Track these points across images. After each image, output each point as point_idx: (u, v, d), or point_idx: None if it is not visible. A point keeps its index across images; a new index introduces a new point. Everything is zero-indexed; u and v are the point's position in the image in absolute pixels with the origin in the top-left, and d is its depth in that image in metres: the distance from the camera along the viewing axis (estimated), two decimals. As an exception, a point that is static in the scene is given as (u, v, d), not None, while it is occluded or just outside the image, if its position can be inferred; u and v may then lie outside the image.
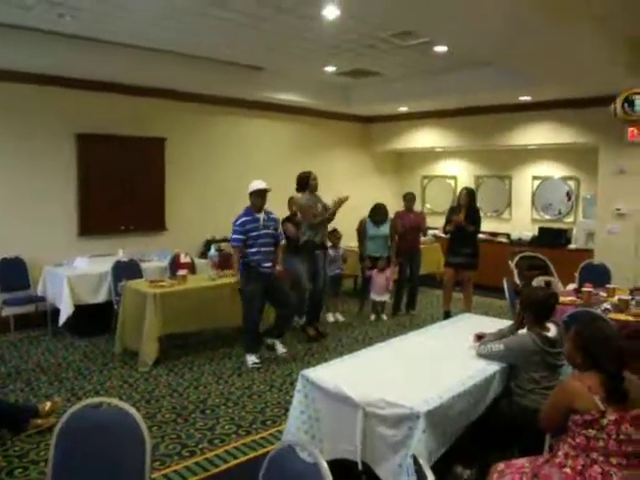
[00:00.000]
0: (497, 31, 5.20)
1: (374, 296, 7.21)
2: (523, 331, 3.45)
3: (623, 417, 2.31)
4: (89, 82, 6.87)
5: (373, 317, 7.29)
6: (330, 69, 7.59)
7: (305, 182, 6.33)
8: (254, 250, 5.35)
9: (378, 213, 7.10)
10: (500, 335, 3.48)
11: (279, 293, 5.56)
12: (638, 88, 6.68)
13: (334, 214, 6.32)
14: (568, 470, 2.37)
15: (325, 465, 1.83)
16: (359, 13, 5.19)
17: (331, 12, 5.10)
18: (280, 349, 5.70)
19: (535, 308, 3.34)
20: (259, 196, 5.45)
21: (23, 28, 5.79)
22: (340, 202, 6.25)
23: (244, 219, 5.39)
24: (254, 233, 5.37)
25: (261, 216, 5.47)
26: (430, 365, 3.35)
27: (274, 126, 9.09)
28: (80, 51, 6.19)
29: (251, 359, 5.42)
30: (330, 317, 7.10)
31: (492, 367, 3.29)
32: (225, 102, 8.28)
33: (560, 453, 2.45)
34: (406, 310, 7.57)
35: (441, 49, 6.37)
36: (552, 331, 3.32)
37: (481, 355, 3.43)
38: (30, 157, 6.64)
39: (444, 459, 3.05)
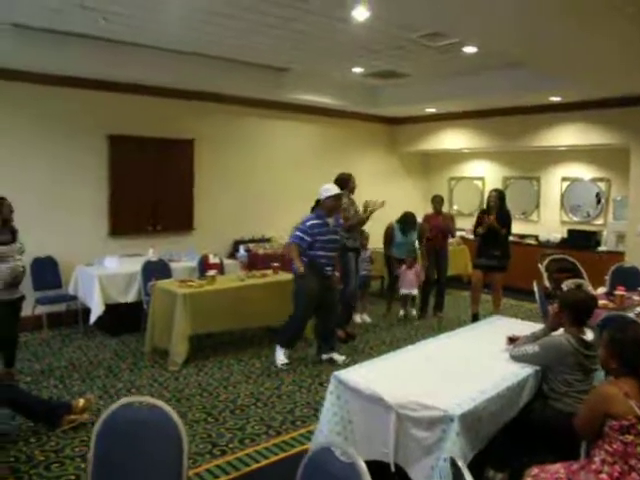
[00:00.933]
0: (527, 32, 5.16)
1: (403, 290, 7.26)
2: (558, 332, 3.41)
3: (661, 423, 2.29)
4: (120, 84, 6.99)
5: (402, 312, 7.33)
6: (358, 70, 7.59)
7: (345, 184, 6.30)
8: (321, 253, 5.36)
9: (407, 222, 7.12)
10: (533, 338, 3.45)
11: (330, 300, 5.56)
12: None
13: (367, 219, 6.37)
14: (604, 477, 2.35)
15: (363, 465, 1.85)
16: (389, 15, 5.19)
17: (361, 13, 5.10)
18: (339, 358, 5.62)
19: (576, 309, 3.29)
20: (335, 200, 5.43)
21: (55, 32, 5.91)
22: (374, 209, 6.32)
23: (314, 222, 5.38)
24: (322, 237, 5.37)
25: (331, 221, 5.48)
26: (462, 367, 3.34)
27: (301, 127, 9.13)
28: (111, 54, 6.31)
29: (280, 359, 5.43)
30: (357, 318, 7.09)
31: (525, 370, 3.27)
32: (252, 103, 8.34)
33: (596, 459, 2.42)
34: (433, 312, 7.53)
35: (470, 50, 6.33)
36: (588, 334, 3.29)
37: (515, 357, 3.41)
38: (63, 158, 6.76)
39: (476, 462, 3.03)
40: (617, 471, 2.33)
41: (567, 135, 8.33)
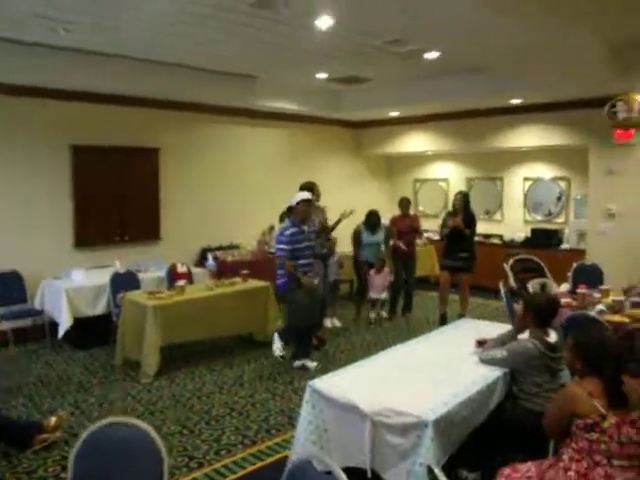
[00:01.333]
0: (486, 38, 5.29)
1: (373, 295, 7.31)
2: (524, 336, 3.52)
3: (623, 420, 2.39)
4: (83, 94, 6.89)
5: (372, 315, 7.36)
6: (322, 76, 7.64)
7: (309, 191, 6.34)
8: (301, 262, 5.40)
9: (372, 220, 7.19)
10: (500, 341, 3.56)
11: (315, 306, 5.65)
12: (623, 94, 6.83)
13: (332, 229, 6.53)
14: (572, 474, 2.44)
15: (342, 473, 1.88)
16: (351, 23, 5.25)
17: (325, 22, 5.16)
18: (311, 365, 5.63)
19: (539, 311, 3.41)
20: (306, 206, 5.51)
21: (16, 42, 5.80)
22: (340, 219, 6.54)
23: (293, 230, 5.41)
24: (300, 245, 5.42)
25: (305, 228, 5.55)
26: (433, 372, 3.41)
27: (268, 133, 9.14)
28: (73, 63, 6.20)
29: (278, 347, 5.44)
30: (327, 323, 7.13)
31: (495, 373, 3.36)
32: (219, 111, 8.32)
33: (565, 457, 2.51)
34: (402, 313, 7.64)
35: (433, 55, 6.43)
36: (552, 336, 3.40)
37: (484, 362, 3.50)
38: (25, 169, 6.63)
39: (449, 462, 3.11)
40: (583, 467, 2.42)
41: (529, 136, 8.54)
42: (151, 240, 7.71)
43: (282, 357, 5.50)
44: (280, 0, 4.59)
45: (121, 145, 7.28)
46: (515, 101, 8.03)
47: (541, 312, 3.41)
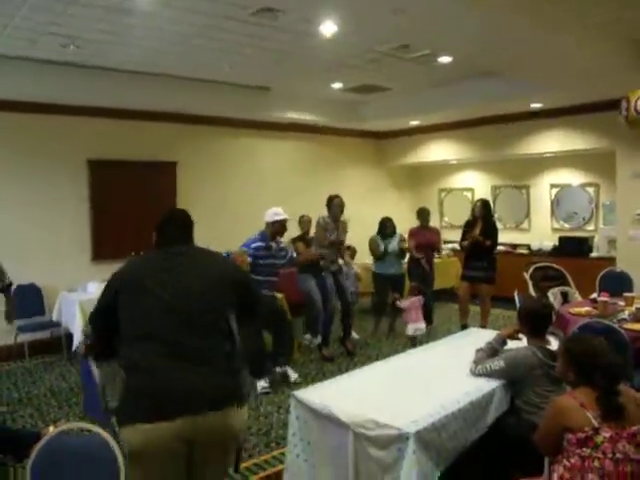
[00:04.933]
0: (497, 41, 5.16)
1: (411, 330, 6.18)
2: (520, 344, 3.33)
3: (619, 434, 2.20)
4: (99, 109, 6.99)
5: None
6: (337, 85, 7.58)
7: (328, 204, 6.35)
8: (258, 277, 5.20)
9: (385, 227, 7.02)
10: (492, 349, 3.36)
11: (275, 320, 5.48)
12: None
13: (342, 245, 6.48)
14: (562, 493, 2.25)
15: None
16: (355, 29, 5.19)
17: (328, 28, 5.11)
18: (293, 375, 5.56)
19: (530, 320, 3.23)
20: (281, 226, 5.41)
21: (30, 59, 5.94)
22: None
23: (259, 244, 5.29)
24: (262, 261, 5.28)
25: (273, 244, 5.41)
26: (427, 383, 3.24)
27: (286, 146, 9.11)
28: (89, 79, 6.34)
29: (260, 384, 5.29)
30: (354, 334, 6.97)
31: (491, 384, 3.16)
32: (235, 124, 8.33)
33: (555, 475, 2.33)
34: (423, 325, 7.43)
35: (445, 60, 6.31)
36: (553, 344, 3.20)
37: (479, 375, 3.29)
38: (43, 184, 6.76)
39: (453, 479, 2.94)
40: (573, 487, 2.23)
41: (553, 141, 8.28)
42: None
43: (269, 388, 5.27)
44: (277, 7, 4.57)
45: (138, 159, 7.35)
46: (536, 105, 7.80)
47: (532, 320, 3.23)
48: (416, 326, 6.13)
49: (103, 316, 2.36)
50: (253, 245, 5.27)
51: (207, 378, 2.16)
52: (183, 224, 2.53)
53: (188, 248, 2.49)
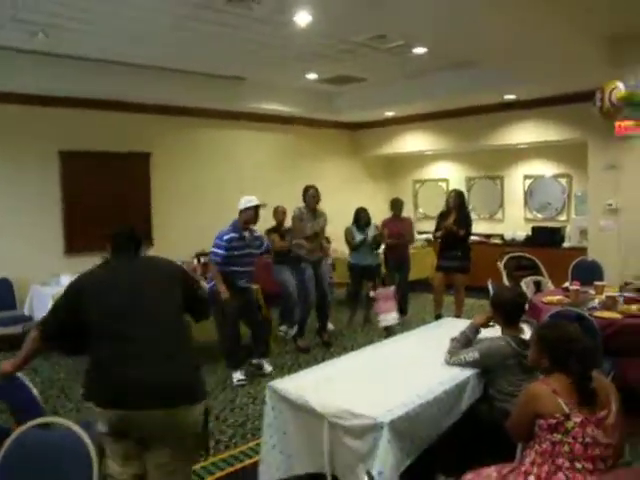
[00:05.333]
0: (473, 31, 5.18)
1: (384, 322, 6.21)
2: (493, 331, 3.36)
3: (588, 419, 2.24)
4: (70, 99, 6.88)
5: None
6: (312, 76, 7.56)
7: (304, 194, 6.29)
8: (235, 269, 5.19)
9: (360, 217, 7.01)
10: (466, 338, 3.38)
11: (251, 312, 5.45)
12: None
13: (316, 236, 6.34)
14: (533, 478, 2.29)
15: None
16: (330, 19, 5.17)
17: (303, 18, 5.08)
18: (267, 367, 5.54)
19: (504, 309, 3.26)
20: (253, 213, 5.29)
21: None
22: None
23: (231, 235, 5.20)
24: (238, 252, 5.21)
25: (246, 234, 5.33)
26: (401, 373, 3.26)
27: (260, 136, 9.06)
28: (59, 68, 6.23)
29: (236, 376, 5.26)
30: (330, 325, 6.98)
31: (465, 373, 3.19)
32: (209, 114, 8.26)
33: (527, 460, 2.37)
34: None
35: (420, 50, 6.33)
36: (526, 333, 3.24)
37: (454, 365, 3.31)
38: (13, 176, 6.64)
39: (425, 467, 2.97)
40: (545, 471, 2.27)
41: (526, 132, 8.37)
42: (143, 245, 7.63)
43: (244, 380, 5.24)
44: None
45: (111, 150, 7.26)
46: (509, 97, 7.87)
47: (506, 309, 3.26)
48: (387, 317, 6.10)
49: (60, 320, 2.54)
50: (225, 237, 5.18)
51: (164, 376, 2.33)
52: (132, 236, 2.81)
53: (142, 257, 2.85)
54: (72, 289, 2.57)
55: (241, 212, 5.33)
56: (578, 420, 2.23)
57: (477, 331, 3.43)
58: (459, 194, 6.95)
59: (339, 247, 7.86)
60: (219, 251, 5.17)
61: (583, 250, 7.73)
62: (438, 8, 4.63)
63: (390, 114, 9.32)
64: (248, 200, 5.34)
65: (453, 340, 3.41)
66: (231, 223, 5.38)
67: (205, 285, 5.37)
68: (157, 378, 2.31)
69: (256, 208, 5.31)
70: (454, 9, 4.58)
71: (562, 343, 2.44)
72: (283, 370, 5.54)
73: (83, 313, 2.43)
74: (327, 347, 6.34)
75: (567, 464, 2.23)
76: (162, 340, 2.42)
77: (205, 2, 4.68)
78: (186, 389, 2.37)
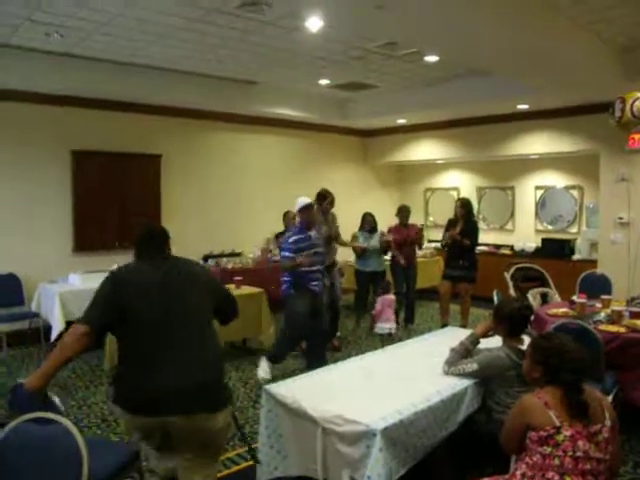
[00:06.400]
0: (485, 40, 5.15)
1: (382, 328, 5.92)
2: (494, 343, 3.33)
3: (580, 433, 2.22)
4: (84, 99, 6.94)
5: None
6: (324, 82, 7.58)
7: (322, 200, 6.26)
8: (305, 269, 5.19)
9: (368, 223, 7.00)
10: (464, 349, 3.35)
11: (319, 317, 5.39)
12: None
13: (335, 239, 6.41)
14: (522, 490, 2.26)
15: None
16: (341, 25, 5.18)
17: (314, 24, 5.08)
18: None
19: (508, 321, 3.23)
20: (309, 212, 5.33)
21: (14, 47, 5.87)
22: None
23: (297, 237, 5.24)
24: (307, 252, 5.21)
25: (312, 234, 5.36)
26: (399, 381, 3.25)
27: (271, 140, 9.09)
28: (74, 69, 6.29)
29: (263, 371, 5.25)
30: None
31: (464, 382, 3.18)
32: (221, 117, 8.31)
33: (517, 473, 2.34)
34: (405, 325, 7.43)
35: (432, 59, 6.32)
36: (526, 344, 3.21)
37: (453, 375, 3.29)
38: (25, 174, 6.69)
39: (422, 478, 2.95)
40: (534, 484, 2.24)
41: (538, 143, 8.32)
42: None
43: (269, 380, 5.14)
44: (263, 1, 4.55)
45: (123, 151, 7.31)
46: (522, 106, 7.84)
47: (513, 321, 3.23)
48: (384, 325, 5.92)
49: (104, 313, 2.45)
50: (291, 239, 5.23)
51: (198, 382, 2.38)
52: (162, 239, 2.74)
53: (173, 258, 2.71)
54: (114, 282, 2.52)
55: (300, 211, 5.37)
56: (569, 433, 2.21)
57: (477, 342, 3.40)
58: (464, 203, 6.92)
59: (345, 253, 7.84)
60: (287, 254, 5.21)
61: (593, 263, 7.67)
62: (450, 16, 4.62)
63: (402, 122, 9.31)
64: (297, 203, 5.39)
65: (452, 350, 3.38)
66: (295, 225, 5.50)
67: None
68: (185, 384, 2.35)
69: (308, 207, 5.34)
70: (466, 18, 4.57)
71: (553, 354, 2.42)
72: (285, 375, 5.50)
73: (125, 308, 2.41)
74: (336, 352, 6.25)
75: (557, 477, 2.21)
76: (194, 348, 2.43)
77: (217, 6, 4.71)
78: (208, 397, 2.43)
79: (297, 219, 5.61)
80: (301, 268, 5.18)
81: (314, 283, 5.32)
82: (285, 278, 5.34)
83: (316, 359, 5.35)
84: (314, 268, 5.28)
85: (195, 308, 2.53)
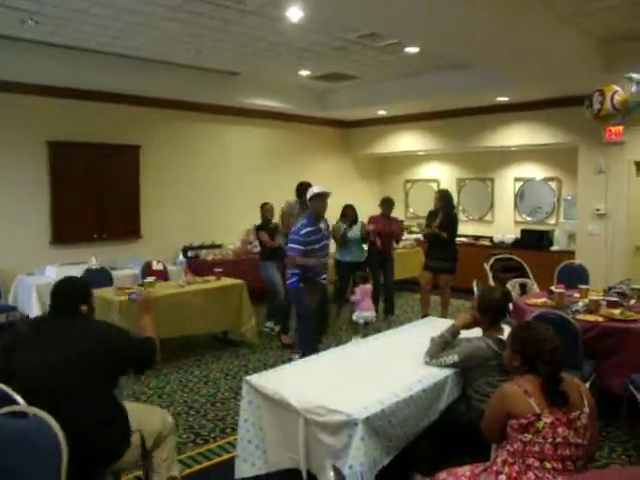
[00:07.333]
0: (465, 32, 5.16)
1: (361, 317, 5.95)
2: (474, 333, 3.35)
3: (559, 420, 2.25)
4: (60, 89, 6.83)
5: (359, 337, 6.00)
6: (305, 73, 7.54)
7: (299, 191, 6.18)
8: (314, 264, 5.02)
9: (349, 214, 6.98)
10: (444, 340, 3.35)
11: (324, 309, 5.41)
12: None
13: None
14: (503, 477, 2.29)
15: None
16: (322, 15, 5.15)
17: (295, 14, 5.05)
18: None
19: (494, 311, 3.25)
20: (321, 201, 5.01)
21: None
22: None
23: (309, 229, 4.95)
24: (316, 245, 5.03)
25: (322, 225, 5.17)
26: (380, 370, 3.25)
27: (252, 132, 9.03)
28: (50, 58, 6.18)
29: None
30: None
31: (444, 372, 3.19)
32: (201, 108, 8.24)
33: (498, 460, 2.37)
34: (384, 316, 7.46)
35: (413, 50, 6.32)
36: (506, 333, 3.23)
37: (433, 366, 3.30)
38: (0, 166, 6.56)
39: (402, 466, 2.96)
40: (515, 471, 2.27)
41: (518, 135, 8.39)
42: (131, 238, 7.62)
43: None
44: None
45: (100, 142, 7.21)
46: (502, 99, 7.89)
47: (497, 311, 3.25)
48: (362, 314, 5.94)
49: None
50: (302, 231, 4.93)
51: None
52: (66, 294, 2.70)
53: (66, 321, 2.65)
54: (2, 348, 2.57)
55: (311, 200, 5.05)
56: (548, 420, 2.24)
57: (457, 334, 3.41)
58: (443, 195, 6.91)
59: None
60: (298, 247, 4.92)
61: (571, 254, 7.77)
62: (431, 8, 4.62)
63: (382, 113, 9.31)
64: (310, 190, 5.11)
65: (432, 341, 3.39)
66: (305, 216, 5.16)
67: None
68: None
69: (323, 195, 5.02)
70: (447, 9, 4.57)
71: (531, 343, 2.44)
72: (266, 366, 5.52)
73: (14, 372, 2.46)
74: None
75: (537, 464, 2.24)
76: (82, 417, 2.46)
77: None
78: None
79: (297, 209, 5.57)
80: (310, 263, 4.99)
81: (323, 277, 5.29)
82: (294, 271, 5.08)
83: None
84: (323, 261, 5.19)
85: (83, 379, 2.55)
